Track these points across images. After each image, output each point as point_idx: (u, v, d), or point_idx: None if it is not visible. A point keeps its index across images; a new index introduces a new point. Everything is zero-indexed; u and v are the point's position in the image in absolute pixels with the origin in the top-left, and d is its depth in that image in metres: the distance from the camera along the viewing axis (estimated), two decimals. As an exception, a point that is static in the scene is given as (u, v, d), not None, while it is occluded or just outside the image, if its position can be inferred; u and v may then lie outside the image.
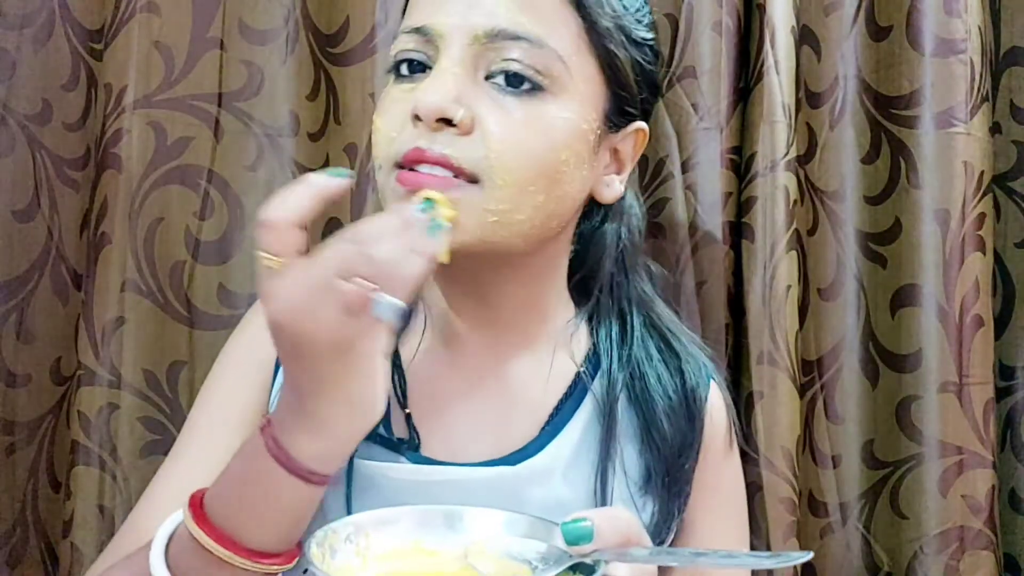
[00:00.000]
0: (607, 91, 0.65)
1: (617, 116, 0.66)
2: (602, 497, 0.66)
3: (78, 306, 0.92)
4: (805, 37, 0.98)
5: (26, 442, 0.93)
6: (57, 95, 0.94)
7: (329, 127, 0.96)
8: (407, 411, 0.66)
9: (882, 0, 0.98)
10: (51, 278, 0.94)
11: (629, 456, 0.69)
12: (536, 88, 0.60)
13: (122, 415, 0.89)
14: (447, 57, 0.60)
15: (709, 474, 0.72)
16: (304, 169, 0.95)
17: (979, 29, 0.95)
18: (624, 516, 0.51)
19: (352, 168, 0.94)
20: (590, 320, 0.73)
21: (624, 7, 0.65)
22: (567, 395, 0.69)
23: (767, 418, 0.92)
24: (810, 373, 0.97)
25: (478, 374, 0.69)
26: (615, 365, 0.70)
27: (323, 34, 0.96)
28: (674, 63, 0.96)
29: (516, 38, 0.59)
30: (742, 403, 0.95)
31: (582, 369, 0.70)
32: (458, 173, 0.58)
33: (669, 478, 0.69)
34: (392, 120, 0.61)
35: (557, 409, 0.69)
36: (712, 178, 0.95)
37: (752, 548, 0.91)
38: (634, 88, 0.66)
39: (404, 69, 0.63)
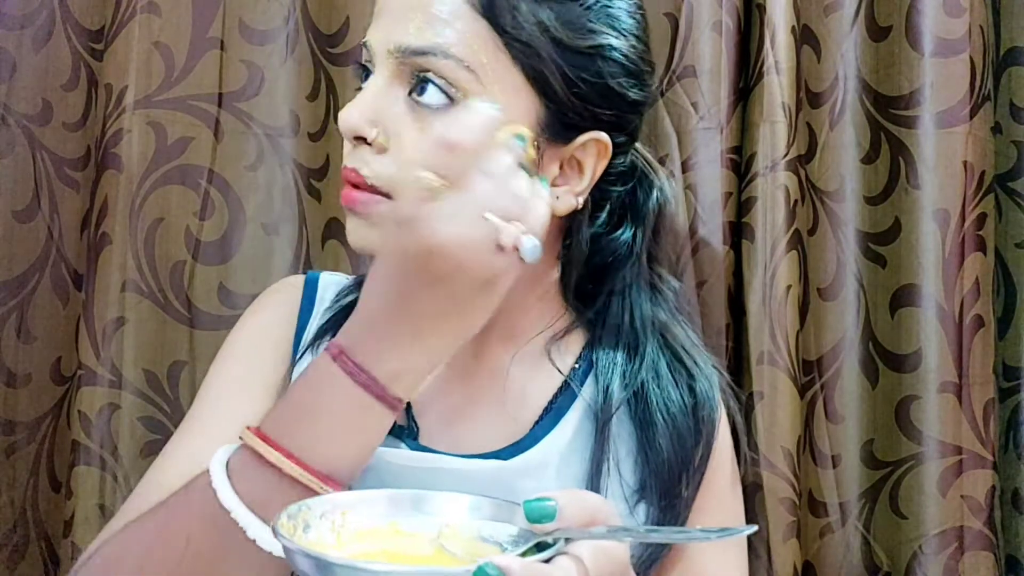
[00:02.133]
0: (539, 102, 0.63)
1: (559, 127, 0.64)
2: (596, 492, 0.66)
3: (78, 306, 0.92)
4: (805, 37, 0.97)
5: (26, 442, 0.94)
6: (57, 95, 0.94)
7: (329, 127, 0.96)
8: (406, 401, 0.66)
9: (882, 0, 0.98)
10: (51, 278, 0.94)
11: (626, 461, 0.68)
12: (450, 101, 0.61)
13: (123, 415, 0.89)
14: (377, 73, 0.63)
15: (710, 501, 0.71)
16: (304, 169, 0.95)
17: (979, 29, 0.95)
18: (591, 498, 0.51)
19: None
20: (592, 327, 0.73)
21: (563, 22, 0.63)
22: (558, 393, 0.70)
23: (767, 418, 0.92)
24: (810, 373, 0.97)
25: (472, 371, 0.69)
26: (615, 383, 0.69)
27: (323, 34, 0.96)
28: (674, 63, 0.96)
29: (423, 53, 0.61)
30: (742, 403, 0.95)
31: (568, 376, 0.70)
32: (372, 191, 0.62)
33: (664, 500, 0.68)
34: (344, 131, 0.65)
35: (548, 408, 0.69)
36: (712, 178, 0.95)
37: (752, 548, 0.92)
38: (570, 100, 0.64)
39: (362, 82, 0.65)
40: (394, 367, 0.53)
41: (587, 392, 0.70)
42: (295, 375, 0.69)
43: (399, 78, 0.62)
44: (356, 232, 0.63)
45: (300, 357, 0.70)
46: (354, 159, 0.62)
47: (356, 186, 0.62)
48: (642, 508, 0.68)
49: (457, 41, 0.61)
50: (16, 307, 0.93)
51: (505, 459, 0.65)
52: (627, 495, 0.68)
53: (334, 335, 0.66)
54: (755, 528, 0.52)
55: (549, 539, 0.49)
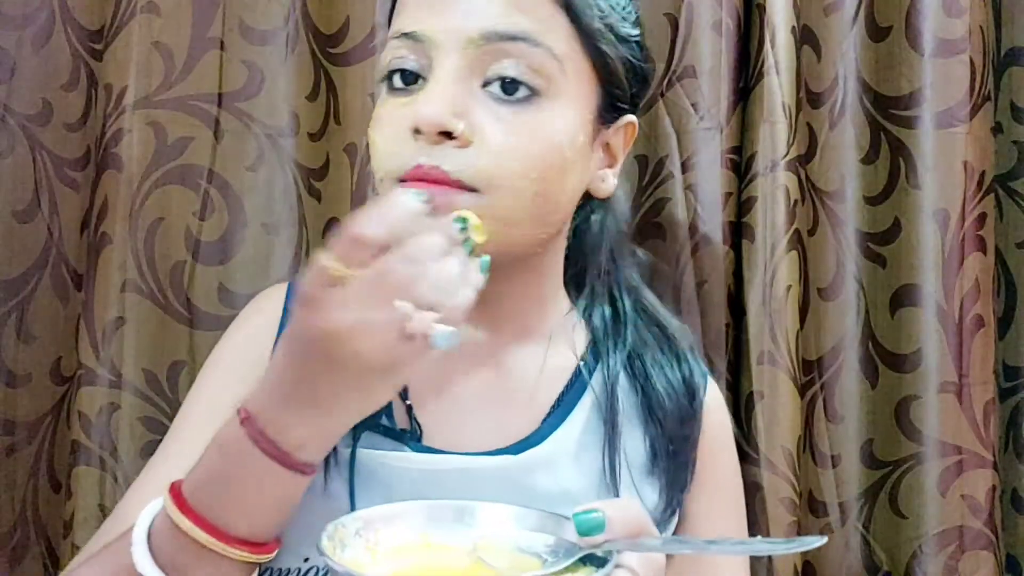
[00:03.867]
0: (599, 89, 0.65)
1: (609, 112, 0.67)
2: (613, 485, 0.66)
3: (78, 306, 0.92)
4: (805, 37, 0.97)
5: (26, 442, 0.93)
6: (57, 95, 0.94)
7: (329, 127, 0.96)
8: (408, 403, 0.66)
9: (882, 0, 0.98)
10: (51, 278, 0.94)
11: (632, 442, 0.69)
12: (533, 94, 0.60)
13: (122, 415, 0.89)
14: (442, 66, 0.60)
15: (708, 465, 0.73)
16: (304, 169, 0.95)
17: (979, 29, 0.95)
18: (634, 507, 0.51)
19: (352, 168, 0.94)
20: (586, 310, 0.74)
21: (611, 6, 0.65)
22: (568, 387, 0.70)
23: (767, 418, 0.92)
24: (810, 373, 0.97)
25: (477, 367, 0.69)
26: (611, 347, 0.71)
27: (323, 34, 0.96)
28: (674, 63, 0.96)
29: (512, 38, 0.59)
30: (742, 403, 0.95)
31: (582, 363, 0.71)
32: (458, 187, 0.59)
33: (672, 459, 0.69)
34: (391, 135, 0.61)
35: (559, 401, 0.69)
36: (712, 178, 0.95)
37: (752, 548, 0.92)
38: (625, 84, 0.67)
39: (397, 80, 0.62)
40: (299, 435, 0.52)
41: (596, 385, 0.70)
42: None
43: (473, 69, 0.60)
44: None
45: None
46: (432, 156, 0.58)
47: (435, 182, 0.58)
48: (651, 495, 0.69)
49: (543, 29, 0.60)
50: (16, 307, 0.93)
51: (514, 455, 0.65)
52: (637, 481, 0.68)
53: None
54: (824, 539, 0.49)
55: (598, 552, 0.48)
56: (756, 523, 0.91)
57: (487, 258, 0.53)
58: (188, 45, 0.92)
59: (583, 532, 0.49)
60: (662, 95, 0.96)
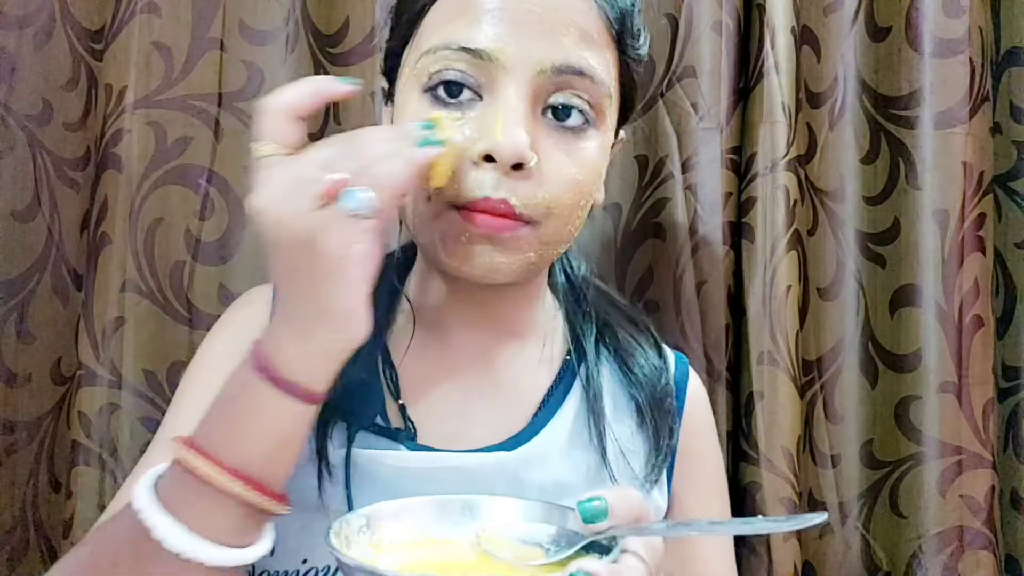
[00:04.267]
0: (620, 111, 0.68)
1: (617, 129, 0.69)
2: (607, 473, 0.67)
3: (78, 306, 0.92)
4: (805, 37, 0.98)
5: (26, 442, 0.93)
6: (57, 95, 0.94)
7: (329, 127, 0.96)
8: (400, 402, 0.66)
9: (882, 0, 0.98)
10: (51, 278, 0.94)
11: (623, 430, 0.70)
12: (586, 124, 0.62)
13: (122, 415, 0.89)
14: (511, 92, 0.59)
15: (692, 446, 0.74)
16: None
17: (979, 29, 0.95)
18: (634, 494, 0.52)
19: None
20: (566, 305, 0.76)
21: (641, 33, 0.67)
22: (556, 381, 0.71)
23: (767, 418, 0.92)
24: (810, 373, 0.97)
25: (468, 366, 0.69)
26: (587, 334, 0.73)
27: (323, 34, 0.96)
28: (674, 63, 0.96)
29: (580, 74, 0.60)
30: (742, 403, 0.95)
31: (568, 357, 0.72)
32: (518, 219, 0.60)
33: (655, 440, 0.70)
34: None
35: (548, 395, 0.70)
36: (712, 178, 0.95)
37: (752, 548, 0.92)
38: (633, 103, 0.70)
39: (442, 92, 0.61)
40: (286, 351, 0.51)
41: (583, 377, 0.71)
42: None
43: (538, 96, 0.60)
44: (491, 259, 0.61)
45: None
46: (501, 188, 0.59)
47: (503, 216, 0.59)
48: (639, 475, 0.70)
49: (603, 66, 0.62)
50: (16, 307, 0.93)
51: (509, 450, 0.65)
52: (631, 468, 0.69)
53: None
54: (824, 516, 0.50)
55: (602, 539, 0.49)
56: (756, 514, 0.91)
57: (440, 140, 0.53)
58: (188, 45, 0.92)
59: (588, 520, 0.49)
60: (662, 95, 0.96)
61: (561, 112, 0.61)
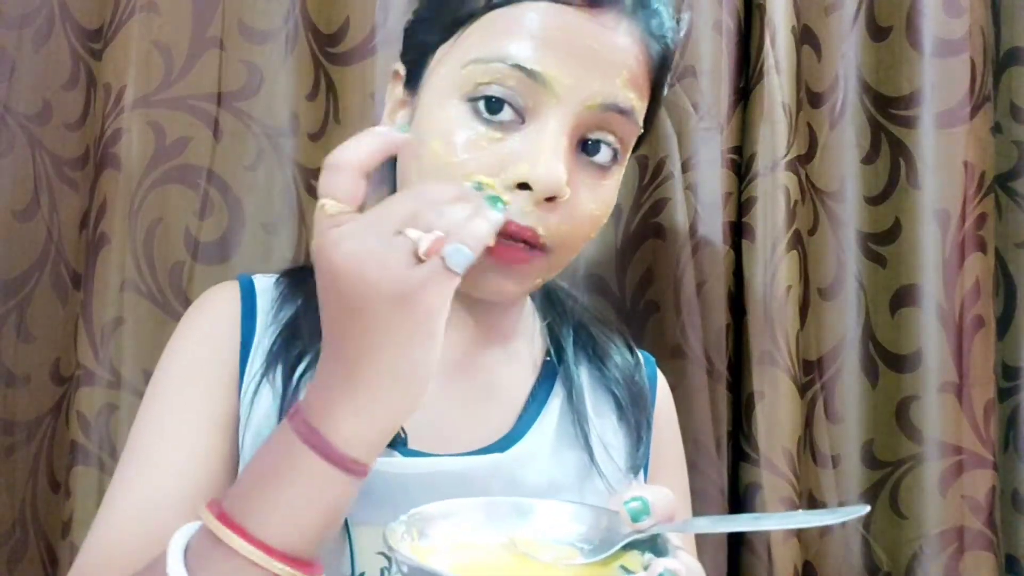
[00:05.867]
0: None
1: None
2: (595, 470, 0.68)
3: (78, 306, 0.92)
4: (805, 37, 0.97)
5: (26, 442, 0.93)
6: (57, 95, 0.94)
7: (329, 127, 0.96)
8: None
9: (882, 0, 0.98)
10: (51, 278, 0.94)
11: (607, 425, 0.71)
12: (614, 161, 0.62)
13: (121, 415, 0.89)
14: (558, 123, 0.58)
15: (660, 441, 0.75)
16: (304, 169, 0.95)
17: (979, 29, 0.95)
18: (669, 492, 0.53)
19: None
20: (543, 308, 0.77)
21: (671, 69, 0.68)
22: (538, 382, 0.71)
23: (767, 418, 0.92)
24: (810, 373, 0.97)
25: (453, 370, 0.69)
26: (580, 360, 0.74)
27: (323, 34, 0.96)
28: (674, 63, 0.96)
29: (623, 112, 0.60)
30: (742, 403, 0.95)
31: (548, 357, 0.73)
32: (536, 245, 0.60)
33: (634, 435, 0.71)
34: (475, 169, 0.59)
35: (532, 396, 0.70)
36: (712, 178, 0.95)
37: (752, 548, 0.92)
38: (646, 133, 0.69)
39: (483, 106, 0.59)
40: (346, 425, 0.48)
41: (563, 378, 0.72)
42: (246, 402, 0.65)
43: (578, 129, 0.60)
44: (501, 285, 0.61)
45: (257, 389, 0.65)
46: (529, 217, 0.58)
47: (526, 242, 0.59)
48: (626, 467, 0.71)
49: (641, 107, 0.63)
50: (15, 307, 0.93)
51: (501, 451, 0.66)
52: (616, 463, 0.70)
53: (286, 360, 0.65)
54: (866, 508, 0.51)
55: (642, 537, 0.50)
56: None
57: (504, 201, 0.51)
58: (187, 45, 0.92)
59: (634, 518, 0.50)
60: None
61: (591, 147, 0.61)
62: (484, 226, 0.48)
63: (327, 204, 0.48)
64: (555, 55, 0.58)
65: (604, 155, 0.62)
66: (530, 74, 0.58)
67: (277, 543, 0.48)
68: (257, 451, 0.52)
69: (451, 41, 0.62)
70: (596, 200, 0.62)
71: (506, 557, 0.51)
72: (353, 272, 0.46)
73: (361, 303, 0.46)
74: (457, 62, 0.60)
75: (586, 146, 0.61)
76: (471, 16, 0.61)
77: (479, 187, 0.53)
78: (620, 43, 0.60)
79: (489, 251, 0.56)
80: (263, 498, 0.49)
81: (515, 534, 0.52)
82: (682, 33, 0.70)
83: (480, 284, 0.60)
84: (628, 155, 0.65)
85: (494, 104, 0.59)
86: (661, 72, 0.65)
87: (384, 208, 0.48)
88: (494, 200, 0.50)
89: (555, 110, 0.58)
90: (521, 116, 0.59)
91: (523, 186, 0.58)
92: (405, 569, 0.45)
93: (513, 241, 0.59)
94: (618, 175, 0.64)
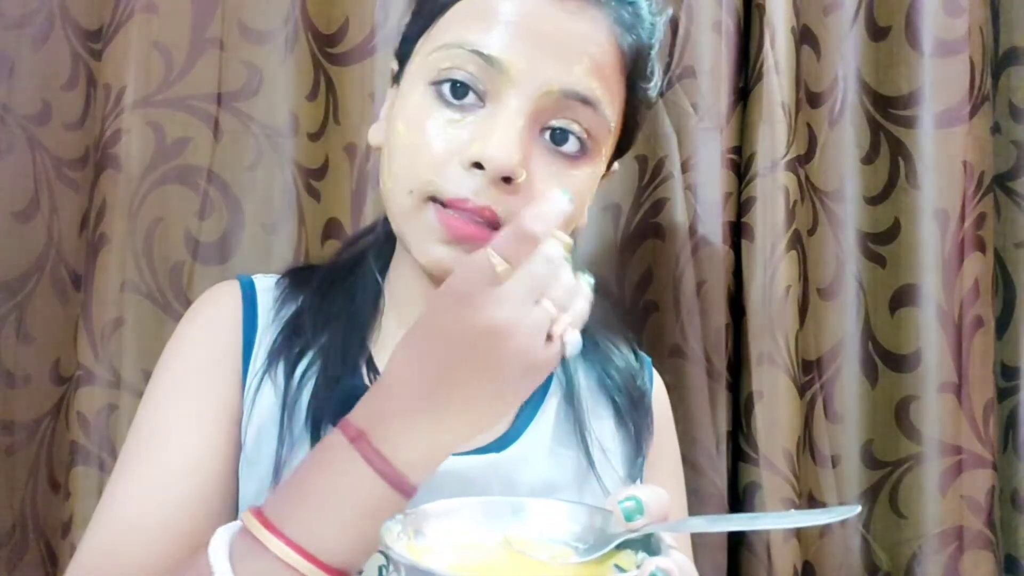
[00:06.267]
0: (618, 146, 0.68)
1: (611, 161, 0.70)
2: (591, 471, 0.68)
3: (78, 306, 0.92)
4: (805, 37, 0.97)
5: (26, 442, 0.93)
6: (57, 95, 0.94)
7: (329, 127, 0.96)
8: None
9: (882, 0, 0.98)
10: (51, 278, 0.94)
11: (604, 427, 0.71)
12: (581, 153, 0.62)
13: (121, 415, 0.89)
14: (511, 105, 0.59)
15: (656, 444, 0.75)
16: (303, 169, 0.95)
17: (979, 29, 0.95)
18: (663, 492, 0.53)
19: (351, 168, 0.94)
20: None
21: (659, 72, 0.68)
22: None
23: (767, 418, 0.92)
24: (810, 373, 0.97)
25: None
26: (578, 362, 0.73)
27: (323, 34, 0.96)
28: (674, 63, 0.96)
29: (585, 102, 0.61)
30: (742, 403, 0.95)
31: None
32: (496, 226, 0.59)
33: (631, 437, 0.71)
34: (435, 149, 0.60)
35: (529, 396, 0.69)
36: (712, 178, 0.95)
37: (752, 548, 0.92)
38: (634, 138, 0.69)
39: (448, 90, 0.60)
40: (416, 455, 0.51)
41: (560, 379, 0.72)
42: (248, 399, 0.65)
43: (538, 116, 0.60)
44: (450, 259, 0.61)
45: (259, 385, 0.65)
46: (487, 197, 0.59)
47: (484, 221, 0.59)
48: (621, 464, 0.71)
49: (609, 99, 0.62)
50: (15, 307, 0.93)
51: (498, 451, 0.66)
52: (612, 464, 0.70)
53: (287, 356, 0.65)
54: (858, 509, 0.52)
55: (636, 536, 0.51)
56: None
57: (591, 277, 0.53)
58: (187, 45, 0.92)
59: (628, 518, 0.51)
60: (662, 95, 0.96)
61: (558, 135, 0.61)
62: (585, 304, 0.52)
63: (498, 264, 0.49)
64: (512, 40, 0.59)
65: (571, 145, 0.62)
66: (486, 59, 0.59)
67: (325, 556, 0.49)
68: (304, 461, 0.53)
69: (427, 33, 0.64)
70: (565, 188, 0.62)
71: (502, 556, 0.51)
72: (505, 337, 0.48)
73: (495, 363, 0.49)
74: (427, 50, 0.62)
75: (554, 135, 0.61)
76: (444, 6, 0.63)
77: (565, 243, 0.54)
78: (581, 29, 0.60)
79: (444, 224, 0.59)
80: (316, 512, 0.50)
81: (510, 533, 0.52)
82: (664, 30, 0.69)
83: (432, 256, 0.61)
84: (604, 149, 0.64)
85: (459, 88, 0.60)
86: (636, 67, 0.65)
87: (528, 275, 0.49)
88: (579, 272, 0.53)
89: (512, 95, 0.59)
90: (482, 100, 0.60)
91: (478, 165, 0.59)
92: (402, 569, 0.45)
93: (469, 215, 0.59)
94: (591, 168, 0.64)
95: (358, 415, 0.51)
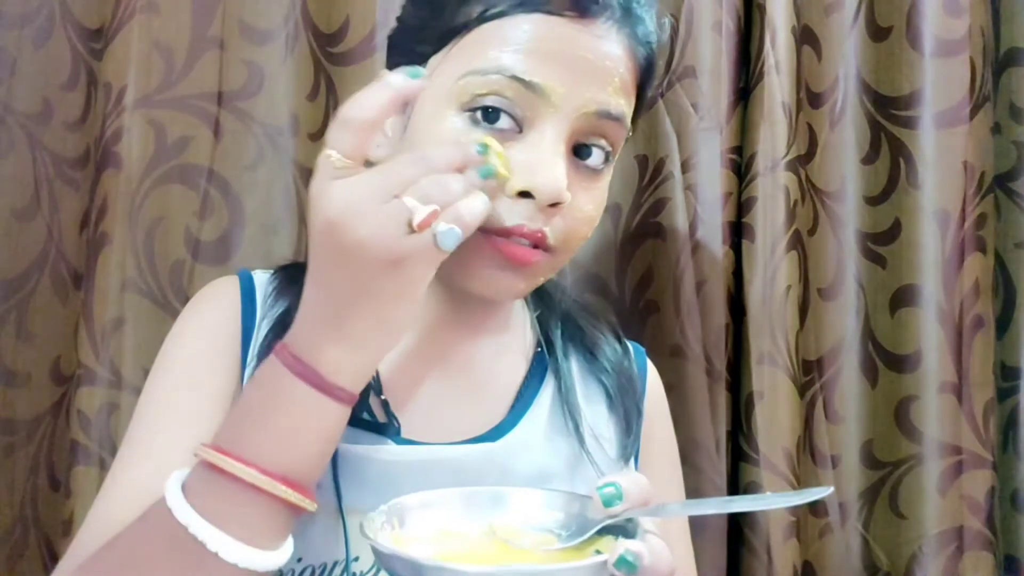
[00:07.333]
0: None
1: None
2: (587, 459, 0.69)
3: (78, 306, 0.92)
4: (805, 37, 0.98)
5: (26, 442, 0.93)
6: (57, 95, 0.94)
7: (329, 127, 0.96)
8: (383, 397, 0.67)
9: (882, 0, 0.98)
10: (51, 278, 0.94)
11: (597, 416, 0.72)
12: (605, 163, 0.64)
13: (122, 415, 0.89)
14: (555, 131, 0.60)
15: (650, 431, 0.76)
16: (304, 169, 0.95)
17: (979, 29, 0.95)
18: (643, 479, 0.53)
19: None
20: (534, 300, 0.77)
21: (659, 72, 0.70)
22: (530, 373, 0.72)
23: (767, 418, 0.92)
24: (810, 373, 0.97)
25: (446, 360, 0.70)
26: (555, 326, 0.75)
27: (323, 34, 0.96)
28: (674, 63, 0.96)
29: (615, 119, 0.62)
30: (742, 403, 0.95)
31: (539, 348, 0.74)
32: (545, 247, 0.62)
33: (624, 426, 0.72)
34: None
35: (523, 386, 0.71)
36: (712, 178, 0.95)
37: (752, 548, 0.92)
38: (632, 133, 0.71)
39: (480, 115, 0.60)
40: (333, 357, 0.52)
41: (554, 368, 0.73)
42: (246, 378, 0.66)
43: (572, 135, 0.61)
44: (513, 285, 0.63)
45: (255, 369, 0.66)
46: (538, 221, 0.60)
47: (536, 245, 0.61)
48: (616, 454, 0.72)
49: (629, 110, 0.64)
50: (16, 307, 0.93)
51: (493, 441, 0.67)
52: (607, 452, 0.71)
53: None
54: (831, 489, 0.52)
55: (617, 522, 0.51)
56: (757, 523, 0.91)
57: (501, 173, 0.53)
58: (188, 44, 0.92)
59: (606, 504, 0.51)
60: (662, 95, 0.96)
61: (584, 152, 0.63)
62: (479, 207, 0.51)
63: (333, 156, 0.50)
64: (550, 65, 0.60)
65: (596, 158, 0.63)
66: (527, 85, 0.59)
67: (274, 467, 0.51)
68: (244, 388, 0.55)
69: (443, 52, 0.63)
70: (592, 201, 0.64)
71: (486, 544, 0.52)
72: (347, 227, 0.48)
73: (351, 257, 0.49)
74: (452, 74, 0.61)
75: (579, 150, 0.63)
76: (464, 28, 0.62)
77: (484, 149, 0.53)
78: (611, 51, 0.62)
79: (502, 251, 0.60)
80: (256, 428, 0.52)
81: (494, 522, 0.53)
82: (665, 36, 0.70)
83: (494, 284, 0.62)
84: (619, 152, 0.67)
85: (491, 114, 0.60)
86: (646, 76, 0.66)
87: (386, 169, 0.50)
88: (486, 171, 0.52)
89: (552, 119, 0.60)
90: (519, 125, 0.61)
91: (525, 194, 0.60)
92: (386, 558, 0.46)
93: (526, 242, 0.61)
94: (609, 175, 0.66)
95: (285, 339, 0.53)
